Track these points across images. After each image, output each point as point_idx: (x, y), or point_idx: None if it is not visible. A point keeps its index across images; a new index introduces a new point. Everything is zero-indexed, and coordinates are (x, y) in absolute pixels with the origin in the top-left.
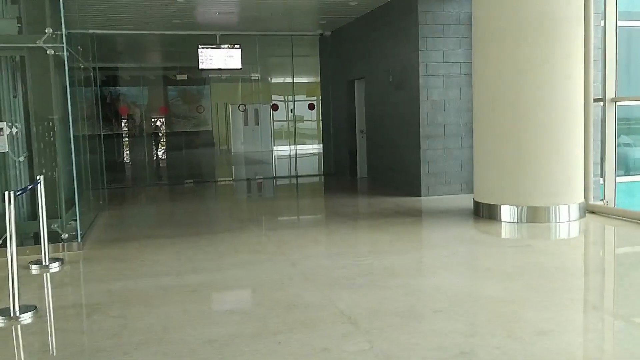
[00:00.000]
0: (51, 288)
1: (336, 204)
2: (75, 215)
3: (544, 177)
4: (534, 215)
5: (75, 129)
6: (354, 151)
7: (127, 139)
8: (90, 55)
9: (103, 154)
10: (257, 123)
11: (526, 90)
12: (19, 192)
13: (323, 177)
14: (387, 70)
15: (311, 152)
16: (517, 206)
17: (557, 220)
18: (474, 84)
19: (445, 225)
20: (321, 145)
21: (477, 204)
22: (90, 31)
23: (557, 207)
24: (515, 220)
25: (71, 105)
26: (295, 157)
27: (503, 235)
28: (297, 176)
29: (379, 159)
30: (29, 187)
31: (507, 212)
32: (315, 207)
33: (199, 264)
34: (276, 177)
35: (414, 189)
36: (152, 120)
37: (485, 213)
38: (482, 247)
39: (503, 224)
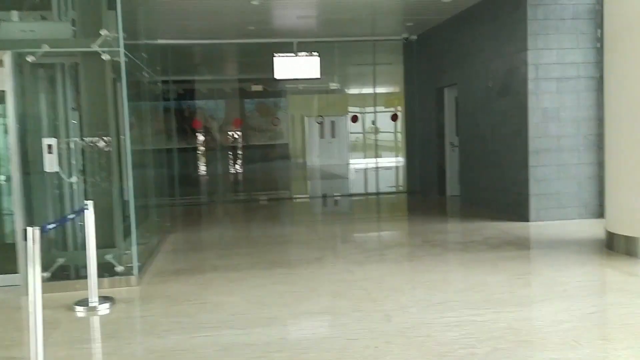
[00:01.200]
0: (88, 341)
1: (428, 230)
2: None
3: None
4: None
5: (139, 144)
6: (443, 166)
7: (202, 153)
8: (160, 66)
9: (176, 168)
10: (333, 135)
11: None
12: (52, 226)
13: (407, 195)
14: (485, 75)
15: (389, 165)
16: None
17: None
18: (606, 87)
19: (574, 262)
20: (401, 159)
21: (610, 235)
22: (162, 41)
23: None
24: None
25: (130, 117)
26: (377, 172)
27: None
28: (377, 193)
29: (475, 176)
30: (69, 217)
31: None
32: (402, 232)
33: (270, 310)
34: (354, 194)
35: (521, 213)
36: (227, 133)
37: (621, 247)
38: (637, 299)
39: None
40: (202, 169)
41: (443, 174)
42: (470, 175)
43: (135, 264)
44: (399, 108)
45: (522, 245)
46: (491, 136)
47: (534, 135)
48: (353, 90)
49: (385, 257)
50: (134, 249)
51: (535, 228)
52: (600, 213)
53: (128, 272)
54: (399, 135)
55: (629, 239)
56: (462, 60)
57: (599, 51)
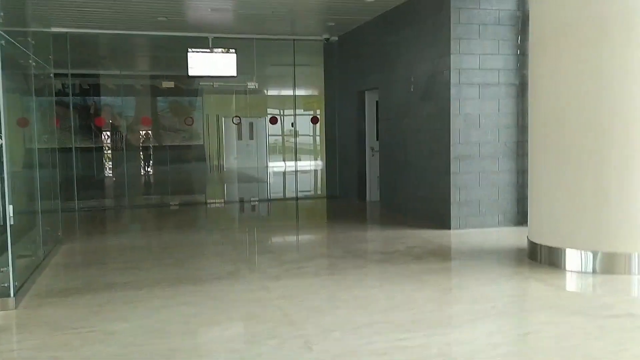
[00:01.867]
0: None
1: (349, 238)
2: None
3: (630, 215)
4: (612, 264)
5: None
6: (363, 171)
7: (108, 153)
8: (56, 57)
9: (76, 170)
10: (251, 137)
11: (610, 104)
12: None
13: (326, 200)
14: (408, 79)
15: (309, 169)
16: (589, 252)
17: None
18: (531, 94)
19: (499, 275)
20: (321, 162)
21: (533, 245)
22: (59, 29)
23: None
24: (586, 270)
25: (3, 110)
26: (296, 177)
27: (583, 293)
28: (297, 198)
29: (396, 182)
30: None
31: (574, 259)
32: (323, 241)
33: (171, 340)
34: (272, 199)
35: (442, 220)
36: (137, 132)
37: (544, 258)
38: (570, 317)
39: (571, 274)
40: (108, 170)
41: (363, 179)
42: (390, 181)
43: (12, 283)
44: (317, 111)
45: (446, 255)
46: (412, 142)
47: (456, 141)
48: (272, 91)
49: (304, 270)
50: (10, 264)
51: (457, 236)
52: (518, 221)
53: (3, 293)
54: (319, 139)
55: (551, 250)
56: (384, 64)
57: (519, 58)
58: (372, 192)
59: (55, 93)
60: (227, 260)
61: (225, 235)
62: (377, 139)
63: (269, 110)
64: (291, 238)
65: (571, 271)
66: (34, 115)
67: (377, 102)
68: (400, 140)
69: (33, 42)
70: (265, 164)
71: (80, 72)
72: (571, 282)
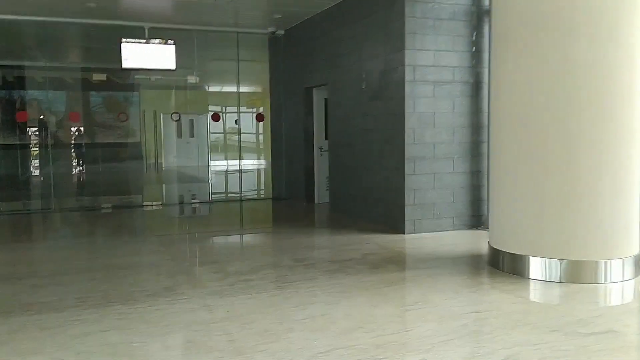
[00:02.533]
0: None
1: (298, 245)
2: None
3: (599, 221)
4: (578, 273)
5: None
6: (311, 172)
7: (32, 151)
8: None
9: None
10: (192, 135)
11: (578, 102)
12: None
13: (272, 201)
14: (359, 76)
15: (253, 169)
16: (554, 259)
17: (608, 280)
18: (493, 92)
19: (463, 285)
20: (265, 162)
21: (494, 251)
22: None
23: (609, 262)
24: (551, 278)
25: None
26: (240, 177)
27: (554, 306)
28: (241, 199)
29: (346, 183)
30: None
31: (538, 267)
32: (270, 249)
33: None
34: (214, 200)
35: (395, 224)
36: (66, 129)
37: (506, 265)
38: (548, 336)
39: (537, 284)
40: (34, 170)
41: (311, 180)
42: (340, 182)
43: None
44: (262, 109)
45: (403, 263)
46: (364, 141)
47: (410, 141)
48: (214, 87)
49: (251, 284)
50: None
51: (412, 241)
52: (472, 224)
53: None
54: (262, 137)
55: (514, 257)
56: (334, 59)
57: (474, 55)
58: (321, 193)
59: None
60: (163, 273)
61: (163, 243)
62: (326, 138)
63: (211, 107)
64: (235, 245)
65: (535, 280)
66: None
67: (326, 99)
68: (350, 140)
69: None
70: (207, 163)
71: (2, 62)
72: (539, 293)
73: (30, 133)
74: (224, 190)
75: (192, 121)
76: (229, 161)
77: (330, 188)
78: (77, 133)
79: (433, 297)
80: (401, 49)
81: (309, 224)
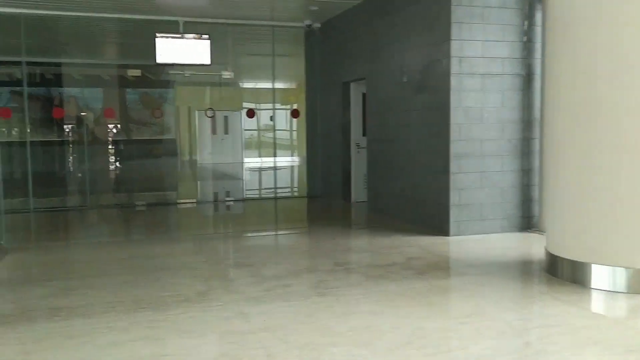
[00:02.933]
0: None
1: (337, 247)
2: None
3: None
4: None
5: None
6: (347, 170)
7: (70, 148)
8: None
9: (30, 166)
10: (226, 132)
11: None
12: None
13: (308, 200)
14: (399, 69)
15: (288, 166)
16: (620, 268)
17: None
18: (546, 85)
19: (520, 296)
20: (300, 159)
21: (552, 258)
22: (12, 10)
23: None
24: (615, 289)
25: None
26: (275, 175)
27: (626, 321)
28: (275, 197)
29: (385, 181)
30: None
31: (603, 276)
32: (308, 251)
33: None
34: (248, 199)
35: (439, 226)
36: (102, 125)
37: (566, 273)
38: (624, 357)
39: (601, 294)
40: (68, 167)
41: (348, 178)
42: (379, 180)
43: None
44: (295, 105)
45: (451, 269)
46: (405, 138)
47: (456, 138)
48: (248, 83)
49: (290, 289)
50: None
51: (458, 244)
52: (522, 226)
53: None
54: (299, 134)
55: (575, 264)
56: (373, 52)
57: (526, 45)
58: (358, 192)
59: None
60: (197, 276)
61: (197, 243)
62: (364, 134)
63: (245, 104)
64: (271, 246)
65: (599, 290)
66: None
67: (363, 94)
68: (390, 136)
69: None
70: (241, 160)
71: (41, 60)
72: (605, 305)
73: (67, 130)
74: (258, 187)
75: (226, 118)
76: (262, 158)
77: (369, 186)
78: (113, 130)
79: (488, 309)
80: (446, 39)
81: (346, 223)
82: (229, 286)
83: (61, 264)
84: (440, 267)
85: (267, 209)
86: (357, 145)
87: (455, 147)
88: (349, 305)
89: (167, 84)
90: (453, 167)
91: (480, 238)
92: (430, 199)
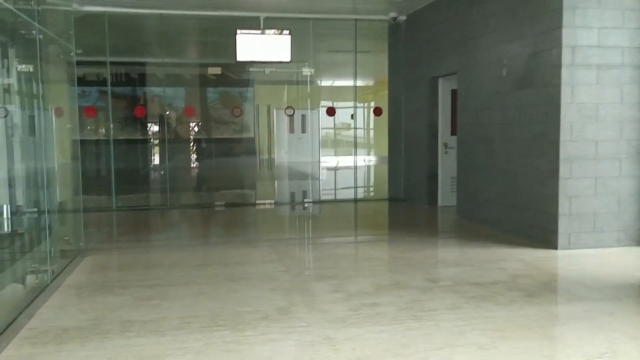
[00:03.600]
0: None
1: (428, 259)
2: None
3: None
4: None
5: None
6: (434, 172)
7: (149, 146)
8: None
9: (113, 165)
10: (304, 130)
11: None
12: None
13: (389, 203)
14: (498, 61)
15: (367, 167)
16: None
17: None
18: None
19: None
20: (374, 158)
21: None
22: (96, 8)
23: None
24: None
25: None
26: (355, 175)
27: None
28: (355, 200)
29: (479, 185)
30: None
31: None
32: (395, 263)
33: None
34: (327, 200)
35: (545, 237)
36: (183, 124)
37: None
38: None
39: None
40: (150, 165)
41: (435, 180)
42: (471, 183)
43: None
44: (372, 103)
45: (567, 291)
46: (503, 138)
47: (567, 138)
48: (326, 81)
49: (379, 310)
50: None
51: (570, 260)
52: None
53: None
54: (376, 132)
55: None
56: (466, 44)
57: None
58: (445, 195)
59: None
60: (277, 289)
61: (276, 249)
62: (453, 134)
63: (323, 102)
64: (353, 255)
65: None
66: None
67: (453, 90)
68: (486, 136)
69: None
70: (318, 160)
71: (125, 60)
72: None
73: (150, 128)
74: (336, 188)
75: (303, 116)
76: (341, 157)
77: (459, 190)
78: (195, 128)
79: (625, 347)
80: (557, 26)
81: (433, 231)
82: (312, 302)
83: (137, 269)
84: (553, 289)
85: (346, 212)
86: (445, 145)
87: (565, 149)
88: (451, 334)
89: (246, 83)
90: (563, 171)
91: (593, 253)
92: (535, 206)
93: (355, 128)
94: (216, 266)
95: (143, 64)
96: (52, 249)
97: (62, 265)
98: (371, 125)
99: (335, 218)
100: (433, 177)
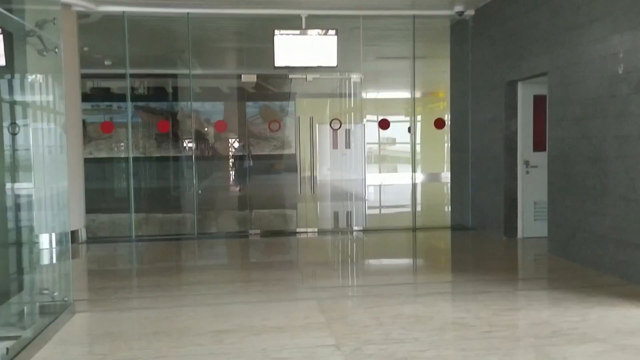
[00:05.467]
0: None
1: (538, 326)
2: None
3: None
4: None
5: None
6: (512, 195)
7: (180, 165)
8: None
9: (132, 186)
10: (347, 146)
11: None
12: None
13: (452, 233)
14: (610, 56)
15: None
16: None
17: None
18: None
19: None
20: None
21: None
22: (115, 8)
23: None
24: None
25: None
26: (414, 201)
27: None
28: (414, 229)
29: (583, 215)
30: None
31: None
32: (496, 335)
33: None
34: (376, 229)
35: None
36: (218, 141)
37: None
38: None
39: None
40: (177, 188)
41: (512, 206)
42: (568, 213)
43: None
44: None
45: None
46: (619, 154)
47: None
48: (377, 89)
49: None
50: None
51: None
52: None
53: None
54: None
55: None
56: (559, 38)
57: None
58: (527, 225)
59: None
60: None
61: (321, 304)
62: (537, 150)
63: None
64: (430, 318)
65: None
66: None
67: (535, 96)
68: (593, 152)
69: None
70: (364, 177)
71: (148, 71)
72: None
73: (183, 145)
74: (386, 210)
75: (347, 131)
76: (389, 176)
77: (551, 220)
78: (234, 145)
79: None
80: None
81: (526, 275)
82: None
83: (134, 337)
84: None
85: (403, 244)
86: (526, 163)
87: None
88: None
89: (287, 96)
90: None
91: None
92: None
93: (414, 143)
94: (241, 334)
95: (174, 76)
96: (24, 308)
97: (36, 329)
98: (417, 140)
99: (391, 253)
100: (511, 202)
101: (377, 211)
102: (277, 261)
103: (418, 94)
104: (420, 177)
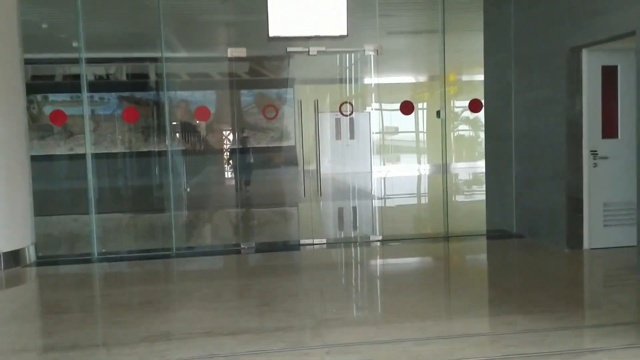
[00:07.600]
0: None
1: None
2: None
3: None
4: None
5: None
6: (575, 194)
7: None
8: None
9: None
10: (352, 136)
11: None
12: None
13: (489, 242)
14: None
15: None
16: None
17: None
18: None
19: None
20: (429, 167)
21: None
22: None
23: None
24: None
25: None
26: (445, 202)
27: None
28: (447, 237)
29: None
30: None
31: None
32: None
33: None
34: (396, 238)
35: None
36: (210, 133)
37: None
38: None
39: None
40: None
41: (576, 208)
42: None
43: None
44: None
45: None
46: None
47: None
48: (387, 76)
49: None
50: None
51: None
52: None
53: None
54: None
55: None
56: None
57: None
58: (597, 232)
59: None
60: None
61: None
62: (607, 136)
63: (374, 103)
64: None
65: None
66: None
67: (604, 68)
68: None
69: None
70: (369, 169)
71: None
72: None
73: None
74: (412, 219)
75: (352, 120)
76: (394, 165)
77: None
78: (229, 137)
79: None
80: None
81: (613, 308)
82: None
83: None
84: None
85: (435, 260)
86: (594, 154)
87: None
88: None
89: (284, 83)
90: None
91: None
92: None
93: (445, 131)
94: None
95: (141, 60)
96: None
97: None
98: (421, 129)
99: (424, 278)
100: (574, 204)
101: (394, 212)
102: (270, 293)
103: (424, 78)
104: (426, 168)
